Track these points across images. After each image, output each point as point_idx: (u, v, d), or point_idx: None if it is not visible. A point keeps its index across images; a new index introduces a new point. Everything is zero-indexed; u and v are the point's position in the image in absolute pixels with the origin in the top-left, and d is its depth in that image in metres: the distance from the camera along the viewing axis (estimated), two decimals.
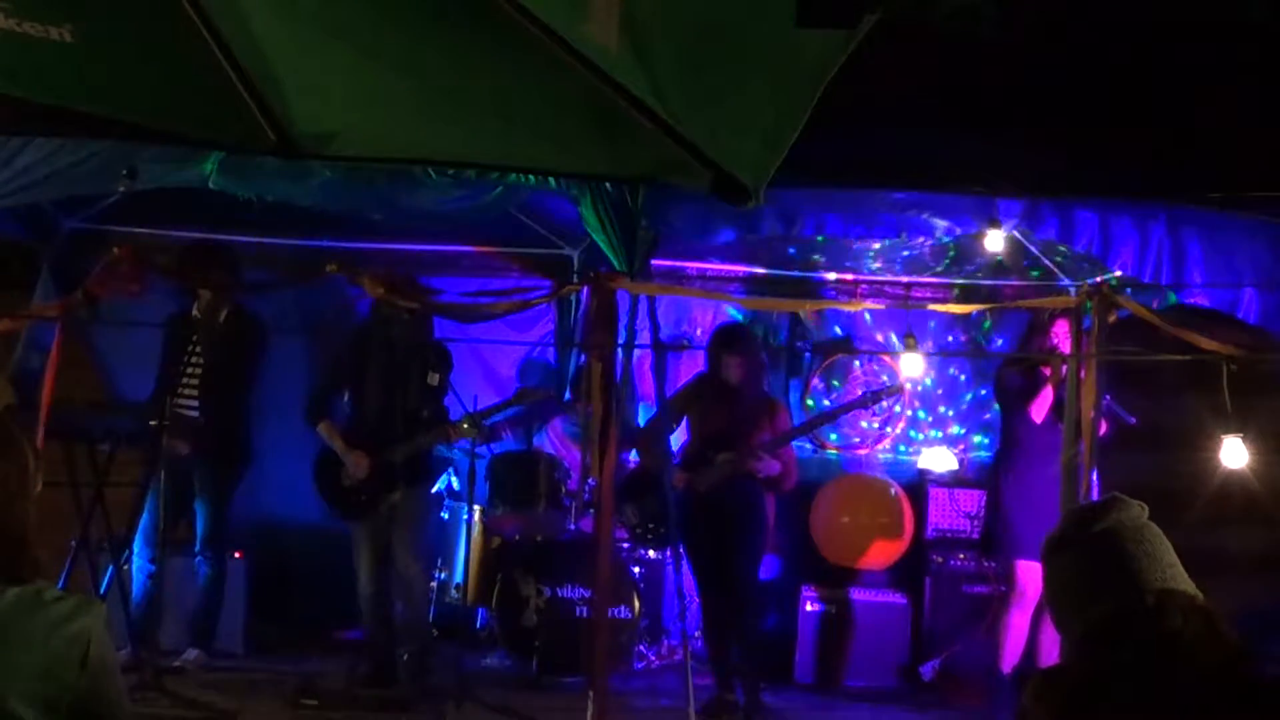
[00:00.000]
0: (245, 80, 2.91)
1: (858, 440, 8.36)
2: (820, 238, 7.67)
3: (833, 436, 8.36)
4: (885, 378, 8.04)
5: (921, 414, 8.39)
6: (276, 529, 7.73)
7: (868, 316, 8.30)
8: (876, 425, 8.33)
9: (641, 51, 2.55)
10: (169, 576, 6.56)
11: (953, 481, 7.90)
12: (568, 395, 8.01)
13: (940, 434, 8.34)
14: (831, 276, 8.19)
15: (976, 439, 8.30)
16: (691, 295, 7.91)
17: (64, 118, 3.56)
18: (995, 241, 6.72)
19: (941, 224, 6.82)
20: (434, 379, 6.48)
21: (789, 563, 7.85)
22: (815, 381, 8.39)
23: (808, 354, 8.40)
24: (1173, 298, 6.87)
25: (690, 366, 7.70)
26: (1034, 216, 6.56)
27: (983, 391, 8.27)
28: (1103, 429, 5.77)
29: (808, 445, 8.24)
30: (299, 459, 6.90)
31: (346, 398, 6.66)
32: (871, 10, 2.37)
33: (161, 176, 6.36)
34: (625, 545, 7.29)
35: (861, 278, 8.18)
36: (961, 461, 8.09)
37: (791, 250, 8.02)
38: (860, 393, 7.64)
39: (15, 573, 2.04)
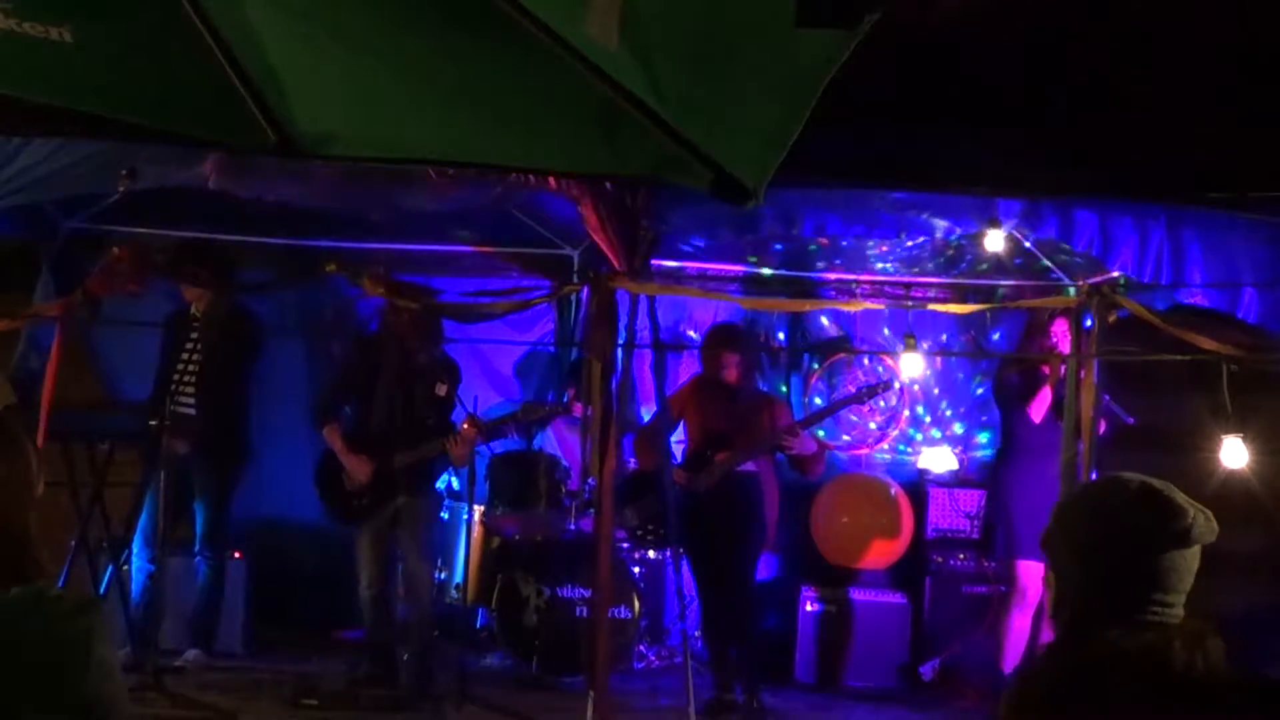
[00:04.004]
0: (245, 80, 2.90)
1: (857, 440, 8.37)
2: (825, 257, 7.70)
3: (844, 438, 8.36)
4: (881, 368, 8.05)
5: (922, 411, 8.39)
6: (276, 529, 7.73)
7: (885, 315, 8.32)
8: (874, 426, 8.33)
9: (641, 51, 2.54)
10: (169, 576, 6.57)
11: (953, 481, 7.91)
12: (566, 397, 8.00)
13: (940, 434, 8.34)
14: (832, 276, 8.21)
15: (978, 438, 8.30)
16: (691, 295, 7.91)
17: (64, 118, 3.56)
18: (995, 241, 6.72)
19: (941, 224, 6.82)
20: (442, 390, 6.49)
21: (789, 563, 7.86)
22: (815, 381, 8.39)
23: (808, 354, 8.40)
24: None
25: (690, 366, 7.70)
26: (1034, 216, 6.56)
27: (979, 390, 8.27)
28: (1101, 428, 5.77)
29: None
30: (299, 459, 6.91)
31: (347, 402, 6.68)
32: (871, 10, 2.36)
33: (161, 177, 6.36)
34: (625, 545, 7.29)
35: (862, 278, 8.18)
36: (962, 461, 8.09)
37: (790, 250, 8.02)
38: (854, 389, 7.65)
39: (17, 573, 2.04)
